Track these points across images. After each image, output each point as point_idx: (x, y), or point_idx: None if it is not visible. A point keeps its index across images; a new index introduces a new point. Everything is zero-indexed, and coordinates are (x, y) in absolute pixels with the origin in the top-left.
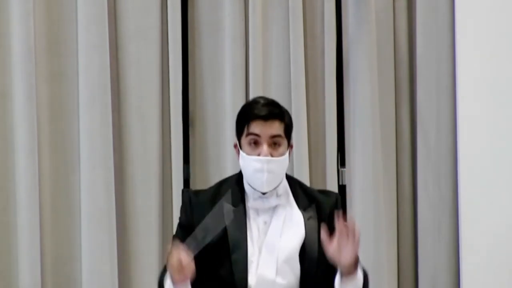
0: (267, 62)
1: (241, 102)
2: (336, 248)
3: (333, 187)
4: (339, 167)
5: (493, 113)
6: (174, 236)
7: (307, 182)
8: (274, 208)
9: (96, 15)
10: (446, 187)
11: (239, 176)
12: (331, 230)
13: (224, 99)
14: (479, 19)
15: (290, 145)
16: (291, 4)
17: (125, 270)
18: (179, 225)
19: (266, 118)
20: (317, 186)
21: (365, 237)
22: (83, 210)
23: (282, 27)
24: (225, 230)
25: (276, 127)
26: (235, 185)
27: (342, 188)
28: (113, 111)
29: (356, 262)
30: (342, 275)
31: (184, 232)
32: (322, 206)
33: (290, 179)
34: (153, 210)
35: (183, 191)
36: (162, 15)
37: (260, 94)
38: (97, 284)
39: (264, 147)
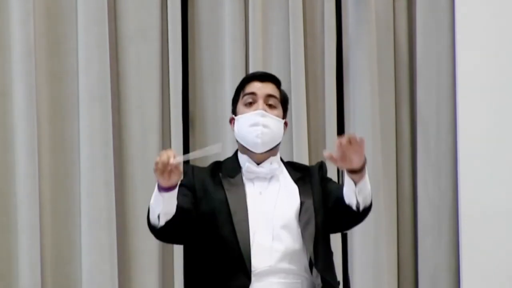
0: (267, 62)
1: None
2: (342, 158)
3: None
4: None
5: (493, 113)
6: None
7: None
8: (270, 179)
9: (96, 15)
10: (446, 187)
11: (234, 153)
12: (323, 186)
13: (224, 99)
14: (479, 19)
15: (285, 122)
16: (291, 4)
17: (125, 270)
18: (180, 185)
19: (262, 79)
20: None
21: (365, 237)
22: (83, 210)
23: (282, 27)
24: (225, 196)
25: (272, 88)
26: (231, 159)
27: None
28: (113, 111)
29: (364, 162)
30: (355, 183)
31: (184, 188)
32: (311, 171)
33: (282, 160)
34: None
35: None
36: (162, 15)
37: None
38: (97, 284)
39: (260, 102)
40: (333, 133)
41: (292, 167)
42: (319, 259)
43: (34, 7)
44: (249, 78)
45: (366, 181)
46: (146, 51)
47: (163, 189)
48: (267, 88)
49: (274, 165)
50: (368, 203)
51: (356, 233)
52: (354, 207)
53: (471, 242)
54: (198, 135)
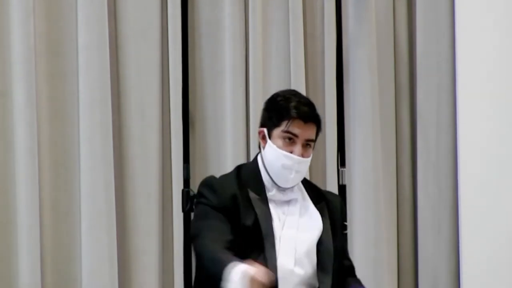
0: (267, 62)
1: (241, 102)
2: None
3: (333, 187)
4: (339, 167)
5: (493, 113)
6: (209, 220)
7: None
8: (289, 201)
9: (96, 15)
10: (446, 187)
11: (255, 165)
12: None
13: (224, 99)
14: (479, 18)
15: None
16: (291, 4)
17: (125, 270)
18: (209, 206)
19: (307, 120)
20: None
21: (365, 237)
22: (83, 210)
23: (282, 27)
24: (256, 219)
25: (312, 131)
26: (252, 172)
27: (342, 188)
28: (113, 111)
29: None
30: None
31: (218, 212)
32: (330, 205)
33: None
34: (153, 210)
35: (207, 178)
36: (162, 15)
37: (260, 94)
38: (97, 284)
39: (299, 148)
40: (333, 133)
41: (309, 187)
42: None
43: (34, 7)
44: (297, 113)
45: None
46: (146, 51)
47: None
48: (308, 131)
49: (296, 191)
50: None
51: (356, 233)
52: None
53: (471, 242)
54: (198, 135)
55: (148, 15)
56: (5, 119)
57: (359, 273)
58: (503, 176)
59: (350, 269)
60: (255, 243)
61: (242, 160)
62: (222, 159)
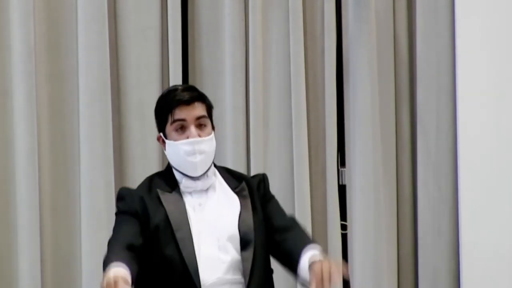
0: (267, 62)
1: (241, 102)
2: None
3: (333, 187)
4: (339, 167)
5: (493, 113)
6: (118, 225)
7: (307, 182)
8: (207, 190)
9: (96, 15)
10: (446, 187)
11: (167, 168)
12: (261, 203)
13: (224, 99)
14: (479, 19)
15: (213, 127)
16: (291, 4)
17: None
18: (121, 212)
19: (188, 102)
20: (317, 186)
21: (365, 237)
22: (83, 210)
23: (282, 27)
24: (165, 214)
25: (199, 109)
26: (165, 174)
27: (342, 188)
28: (113, 111)
29: None
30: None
31: (129, 216)
32: (250, 183)
33: (217, 166)
34: None
35: (118, 191)
36: (162, 15)
37: (260, 94)
38: (97, 284)
39: (192, 129)
40: (333, 133)
41: (229, 174)
42: (253, 280)
43: (34, 7)
44: (176, 101)
45: None
46: (146, 51)
47: None
48: (195, 110)
49: (211, 177)
50: None
51: (356, 233)
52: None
53: (471, 242)
54: None
55: (148, 15)
56: (5, 119)
57: (359, 273)
58: (503, 176)
59: (291, 222)
60: (168, 238)
61: (242, 160)
62: (222, 159)
